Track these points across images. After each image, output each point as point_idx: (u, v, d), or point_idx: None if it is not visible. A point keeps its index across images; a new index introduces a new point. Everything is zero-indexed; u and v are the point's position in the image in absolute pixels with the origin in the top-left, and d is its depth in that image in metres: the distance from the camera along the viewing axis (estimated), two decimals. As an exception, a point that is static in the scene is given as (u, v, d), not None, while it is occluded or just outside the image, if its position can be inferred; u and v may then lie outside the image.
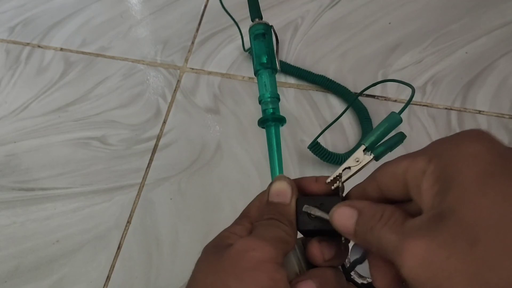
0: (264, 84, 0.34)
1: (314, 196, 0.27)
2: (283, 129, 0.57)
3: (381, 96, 0.59)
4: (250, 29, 0.33)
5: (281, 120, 0.32)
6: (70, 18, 0.72)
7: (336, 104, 0.59)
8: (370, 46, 0.63)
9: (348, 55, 0.63)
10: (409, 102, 0.28)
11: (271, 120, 0.32)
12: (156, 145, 0.58)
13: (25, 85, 0.66)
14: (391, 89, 0.59)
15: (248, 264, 0.23)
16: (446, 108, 0.57)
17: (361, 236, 0.22)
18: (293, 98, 0.60)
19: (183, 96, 0.62)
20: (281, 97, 0.60)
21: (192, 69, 0.64)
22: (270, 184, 0.28)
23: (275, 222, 0.26)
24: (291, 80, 0.61)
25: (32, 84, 0.66)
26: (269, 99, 0.33)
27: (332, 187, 0.27)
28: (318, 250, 0.26)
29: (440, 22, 0.64)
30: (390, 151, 0.28)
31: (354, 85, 0.59)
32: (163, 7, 0.71)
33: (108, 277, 0.50)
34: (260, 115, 0.59)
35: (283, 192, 0.27)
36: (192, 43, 0.67)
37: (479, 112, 0.56)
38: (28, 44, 0.70)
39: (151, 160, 0.57)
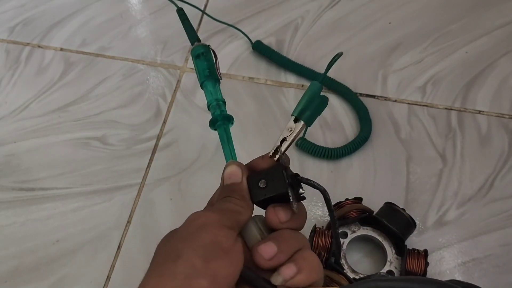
0: (210, 93, 0.39)
1: (261, 171, 0.30)
2: (283, 128, 0.57)
3: (381, 96, 0.59)
4: (191, 51, 0.41)
5: (229, 118, 0.38)
6: (70, 18, 0.72)
7: (337, 104, 0.59)
8: (370, 46, 0.63)
9: (348, 55, 0.63)
10: (330, 67, 0.31)
11: (221, 119, 0.37)
12: (156, 145, 0.58)
13: (25, 85, 0.66)
14: (391, 89, 0.59)
15: (193, 228, 0.26)
16: (446, 108, 0.57)
17: None
18: (293, 98, 0.60)
19: (183, 96, 0.62)
20: (281, 97, 0.60)
21: (192, 69, 0.64)
22: (223, 171, 0.31)
23: (228, 198, 0.29)
24: (291, 80, 0.61)
25: (32, 84, 0.66)
26: (215, 103, 0.38)
27: (275, 159, 0.30)
28: (273, 214, 0.29)
29: (440, 22, 0.64)
30: (319, 115, 0.31)
31: (354, 84, 0.59)
32: (163, 7, 0.71)
33: (108, 277, 0.50)
34: (259, 114, 0.59)
35: (234, 173, 0.30)
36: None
37: (479, 112, 0.56)
38: (28, 44, 0.70)
39: (151, 160, 0.57)
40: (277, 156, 0.30)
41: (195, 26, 0.68)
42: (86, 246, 0.52)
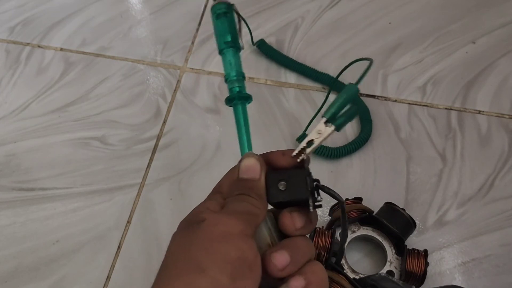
0: (229, 63, 0.34)
1: (282, 170, 0.28)
2: (283, 128, 0.57)
3: (381, 96, 0.59)
4: (212, 9, 0.35)
5: (247, 98, 0.33)
6: (70, 18, 0.72)
7: (336, 104, 0.59)
8: (370, 46, 0.63)
9: (348, 55, 0.63)
10: (365, 73, 0.29)
11: (238, 98, 0.33)
12: (156, 145, 0.58)
13: (25, 85, 0.66)
14: (391, 89, 0.59)
15: (216, 237, 0.24)
16: (446, 108, 0.57)
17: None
18: (293, 98, 0.60)
19: (183, 96, 0.62)
20: (281, 97, 0.60)
21: (192, 69, 0.64)
22: (240, 161, 0.29)
23: (245, 197, 0.27)
24: (291, 80, 0.61)
25: (32, 84, 0.66)
26: (235, 78, 0.33)
27: (298, 160, 0.28)
28: (290, 220, 0.27)
29: (440, 22, 0.64)
30: (350, 121, 0.29)
31: (354, 85, 0.59)
32: (163, 7, 0.71)
33: (108, 277, 0.50)
34: (259, 114, 0.59)
35: (252, 168, 0.28)
36: (192, 43, 0.67)
37: (479, 112, 0.56)
38: (28, 44, 0.70)
39: (151, 160, 0.57)
40: (301, 158, 0.28)
41: (195, 26, 0.68)
42: (86, 246, 0.52)
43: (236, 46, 0.34)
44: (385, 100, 0.59)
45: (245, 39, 0.65)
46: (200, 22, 0.69)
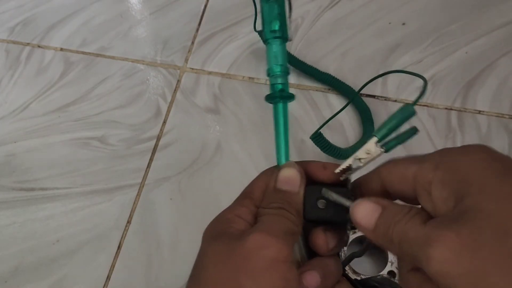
0: (275, 56, 0.31)
1: (322, 186, 0.27)
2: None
3: (381, 96, 0.59)
4: None
5: (290, 98, 0.32)
6: (70, 18, 0.72)
7: (337, 104, 0.59)
8: (370, 46, 0.63)
9: (349, 55, 0.63)
10: (422, 94, 0.28)
11: (280, 97, 0.31)
12: (156, 145, 0.58)
13: (25, 85, 0.66)
14: (391, 89, 0.59)
15: (262, 263, 0.23)
16: (446, 108, 0.57)
17: (382, 231, 0.22)
18: (293, 98, 0.60)
19: (183, 96, 0.62)
20: (281, 97, 0.60)
21: (192, 69, 0.64)
22: (279, 170, 0.27)
23: (284, 212, 0.25)
24: (291, 80, 0.61)
25: (32, 84, 0.66)
26: (279, 73, 0.31)
27: (341, 178, 0.27)
28: (324, 241, 0.26)
29: (440, 22, 0.64)
30: (400, 144, 0.28)
31: (354, 85, 0.59)
32: (163, 7, 0.71)
33: (108, 277, 0.50)
34: (259, 114, 0.59)
35: (292, 180, 0.27)
36: (192, 43, 0.67)
37: (479, 112, 0.56)
38: (28, 44, 0.70)
39: (151, 160, 0.57)
40: (344, 176, 0.27)
41: (195, 26, 0.68)
42: (86, 246, 0.52)
43: (283, 37, 0.31)
44: (385, 100, 0.59)
45: (243, 41, 0.65)
46: (200, 22, 0.69)
